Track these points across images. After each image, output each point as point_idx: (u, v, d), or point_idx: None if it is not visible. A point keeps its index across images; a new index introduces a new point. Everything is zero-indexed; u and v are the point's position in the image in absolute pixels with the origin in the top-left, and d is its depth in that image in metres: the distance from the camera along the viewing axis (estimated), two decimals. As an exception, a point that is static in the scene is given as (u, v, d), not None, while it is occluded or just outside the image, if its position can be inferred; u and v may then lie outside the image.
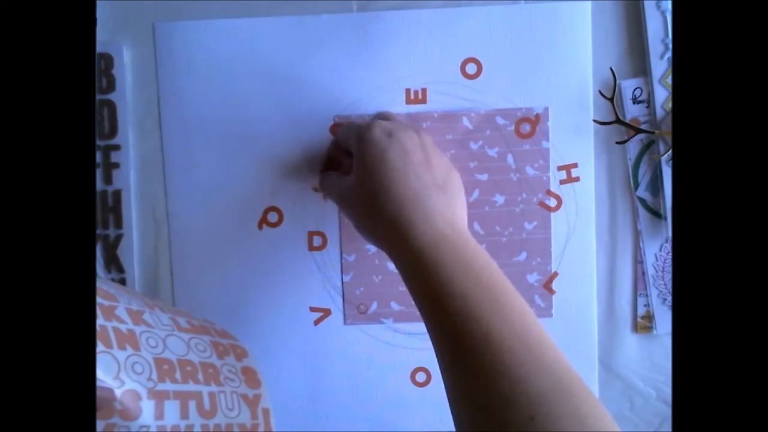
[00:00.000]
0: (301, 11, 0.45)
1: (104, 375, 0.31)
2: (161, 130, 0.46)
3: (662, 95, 0.45)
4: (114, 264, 0.47)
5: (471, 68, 0.46)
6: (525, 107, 0.46)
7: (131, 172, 0.47)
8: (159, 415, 0.33)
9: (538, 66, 0.45)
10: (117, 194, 0.47)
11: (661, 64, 0.44)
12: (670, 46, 0.44)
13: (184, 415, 0.35)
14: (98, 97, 0.46)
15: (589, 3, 0.45)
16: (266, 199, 0.47)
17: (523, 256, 0.47)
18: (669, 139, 0.44)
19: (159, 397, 0.33)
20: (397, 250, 0.37)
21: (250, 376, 0.42)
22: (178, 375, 0.36)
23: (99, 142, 0.46)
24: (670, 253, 0.46)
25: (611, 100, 0.44)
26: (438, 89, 0.46)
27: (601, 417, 0.31)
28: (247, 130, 0.46)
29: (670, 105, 0.44)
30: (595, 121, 0.46)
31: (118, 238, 0.47)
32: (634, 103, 0.45)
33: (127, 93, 0.46)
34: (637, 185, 0.46)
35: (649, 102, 0.45)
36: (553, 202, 0.46)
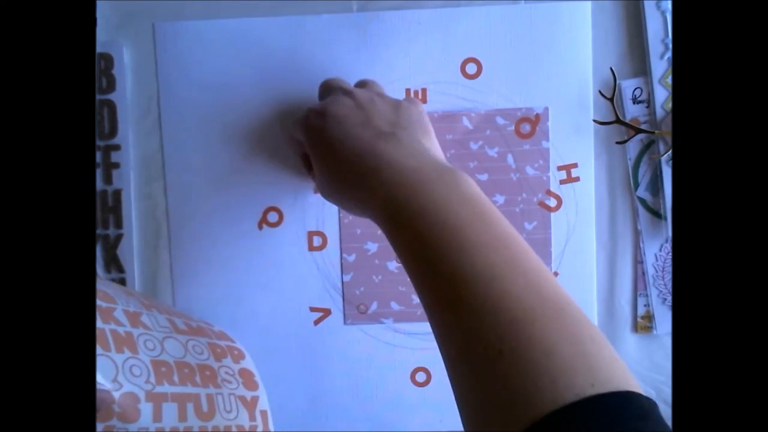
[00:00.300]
0: (301, 11, 0.45)
1: (103, 378, 0.31)
2: (161, 130, 0.46)
3: (662, 95, 0.45)
4: (114, 264, 0.47)
5: (471, 68, 0.46)
6: (525, 107, 0.46)
7: (131, 172, 0.47)
8: (157, 417, 0.33)
9: (538, 66, 0.45)
10: (117, 194, 0.47)
11: (661, 64, 0.44)
12: (670, 46, 0.44)
13: (182, 417, 0.35)
14: (98, 97, 0.46)
15: (589, 3, 0.45)
16: (266, 199, 0.47)
17: (523, 256, 0.47)
18: (669, 139, 0.44)
19: (157, 399, 0.33)
20: (373, 215, 0.35)
21: (248, 378, 0.42)
22: (175, 377, 0.36)
23: (99, 142, 0.46)
24: (670, 253, 0.46)
25: (611, 100, 0.44)
26: (438, 89, 0.46)
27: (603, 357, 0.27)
28: (247, 130, 0.46)
29: (670, 105, 0.44)
30: (595, 121, 0.45)
31: (118, 238, 0.47)
32: (634, 103, 0.45)
33: (127, 93, 0.46)
34: (637, 185, 0.46)
35: (649, 102, 0.45)
36: (553, 202, 0.46)
